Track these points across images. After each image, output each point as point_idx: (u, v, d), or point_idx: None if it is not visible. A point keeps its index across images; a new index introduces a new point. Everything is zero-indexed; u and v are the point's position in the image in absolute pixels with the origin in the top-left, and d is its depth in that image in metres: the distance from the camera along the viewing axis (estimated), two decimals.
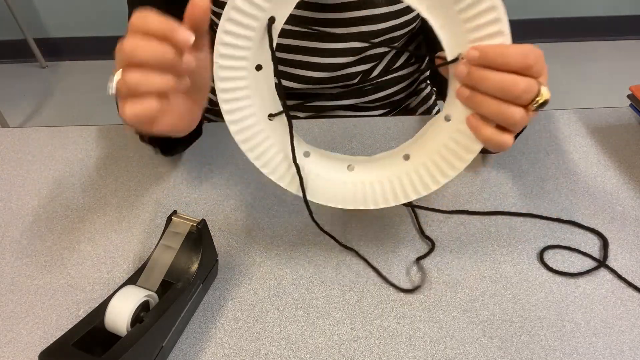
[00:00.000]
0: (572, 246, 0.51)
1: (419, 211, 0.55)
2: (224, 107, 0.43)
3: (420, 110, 0.81)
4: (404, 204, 0.46)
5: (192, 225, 0.44)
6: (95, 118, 2.04)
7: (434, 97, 0.84)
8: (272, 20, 0.40)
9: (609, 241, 0.52)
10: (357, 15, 0.62)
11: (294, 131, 0.44)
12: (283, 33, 0.64)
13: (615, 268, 0.49)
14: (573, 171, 0.60)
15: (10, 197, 0.59)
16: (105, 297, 0.41)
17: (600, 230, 0.53)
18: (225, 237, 0.54)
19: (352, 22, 0.63)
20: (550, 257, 0.51)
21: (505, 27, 0.37)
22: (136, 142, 0.66)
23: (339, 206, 0.47)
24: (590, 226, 0.53)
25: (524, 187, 0.58)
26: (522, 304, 0.47)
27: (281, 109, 0.44)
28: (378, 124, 0.67)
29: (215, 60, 0.40)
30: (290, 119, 0.44)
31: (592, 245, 0.52)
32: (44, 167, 0.63)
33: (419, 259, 0.51)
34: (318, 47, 0.66)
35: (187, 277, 0.44)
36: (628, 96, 0.67)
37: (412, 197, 0.45)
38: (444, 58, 0.40)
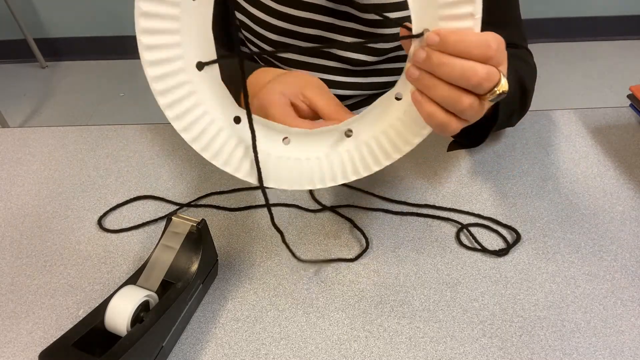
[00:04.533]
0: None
1: (413, 209, 0.55)
2: (146, 57, 0.34)
3: None
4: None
5: (192, 225, 0.44)
6: (95, 118, 2.05)
7: None
8: None
9: (608, 240, 0.52)
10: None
11: (225, 89, 0.37)
12: None
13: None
14: (573, 171, 0.60)
15: (10, 197, 0.59)
16: (105, 297, 0.41)
17: (600, 230, 0.53)
18: (225, 237, 0.54)
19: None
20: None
21: (478, 11, 0.35)
22: (136, 142, 0.66)
23: (271, 186, 0.42)
24: (591, 226, 0.54)
25: (524, 187, 0.58)
26: (522, 304, 0.47)
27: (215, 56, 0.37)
28: None
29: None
30: (243, 62, 0.36)
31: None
32: (44, 167, 0.63)
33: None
34: None
35: (187, 277, 0.44)
36: (628, 96, 0.67)
37: (351, 178, 0.42)
38: (410, 30, 0.37)
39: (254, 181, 0.42)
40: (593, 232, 0.53)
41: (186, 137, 0.39)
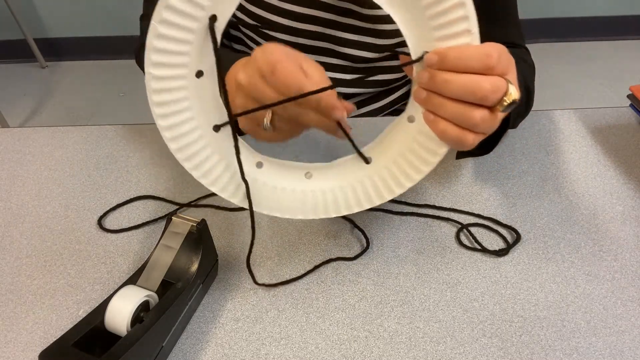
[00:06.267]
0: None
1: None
2: (160, 123, 0.37)
3: None
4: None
5: (192, 225, 0.44)
6: (95, 118, 2.05)
7: None
8: (213, 19, 0.34)
9: (608, 240, 0.52)
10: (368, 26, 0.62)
11: (244, 142, 0.40)
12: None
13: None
14: (573, 171, 0.60)
15: (10, 197, 0.59)
16: (105, 297, 0.41)
17: (600, 230, 0.53)
18: (225, 237, 0.54)
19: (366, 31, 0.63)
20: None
21: (473, 26, 0.35)
22: (136, 142, 0.66)
23: (299, 217, 0.44)
24: (591, 226, 0.54)
25: (524, 187, 0.58)
26: (522, 304, 0.47)
27: (223, 120, 0.40)
28: (376, 124, 0.67)
29: (147, 69, 0.34)
30: (235, 129, 0.38)
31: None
32: (44, 167, 0.63)
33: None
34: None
35: (187, 277, 0.44)
36: (628, 96, 0.67)
37: (376, 202, 0.43)
38: (409, 55, 0.38)
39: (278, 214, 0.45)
40: (593, 232, 0.53)
41: (215, 189, 0.42)
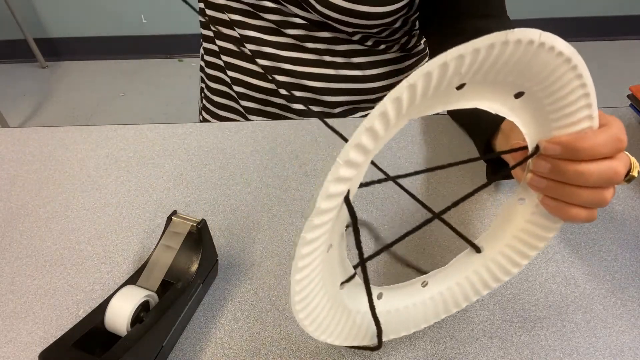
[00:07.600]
0: None
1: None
2: (300, 316, 0.35)
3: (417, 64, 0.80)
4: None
5: (192, 225, 0.44)
6: (95, 118, 2.05)
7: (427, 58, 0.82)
8: (347, 193, 0.32)
9: (608, 240, 0.52)
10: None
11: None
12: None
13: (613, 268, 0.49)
14: None
15: (10, 197, 0.59)
16: (105, 297, 0.41)
17: (600, 230, 0.53)
18: (225, 237, 0.54)
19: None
20: None
21: (595, 111, 0.32)
22: (136, 142, 0.66)
23: (422, 327, 0.44)
24: (590, 226, 0.54)
25: None
26: (522, 304, 0.47)
27: (348, 275, 0.39)
28: None
29: (293, 277, 0.33)
30: (367, 277, 0.37)
31: None
32: (44, 167, 0.63)
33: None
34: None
35: (187, 277, 0.44)
36: (628, 96, 0.67)
37: (493, 286, 0.42)
38: (524, 148, 0.36)
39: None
40: (593, 232, 0.53)
41: (347, 343, 0.41)
